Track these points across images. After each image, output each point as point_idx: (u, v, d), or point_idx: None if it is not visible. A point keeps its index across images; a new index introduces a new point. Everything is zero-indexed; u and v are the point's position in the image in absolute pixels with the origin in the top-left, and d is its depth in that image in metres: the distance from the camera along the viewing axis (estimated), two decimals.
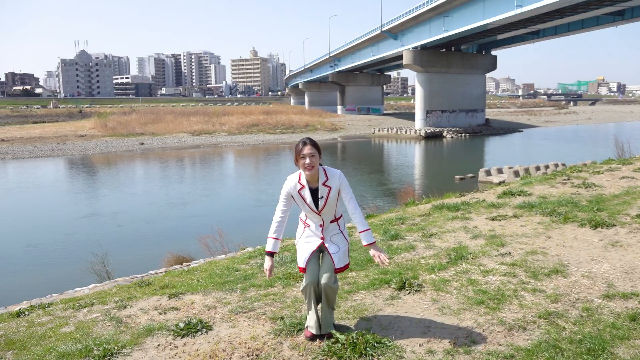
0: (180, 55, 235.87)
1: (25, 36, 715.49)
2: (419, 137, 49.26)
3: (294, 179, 3.52)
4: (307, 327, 3.66)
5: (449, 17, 43.55)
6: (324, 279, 3.50)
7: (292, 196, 3.53)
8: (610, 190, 8.52)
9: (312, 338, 3.58)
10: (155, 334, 3.89)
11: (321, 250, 3.60)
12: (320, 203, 3.47)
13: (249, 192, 23.01)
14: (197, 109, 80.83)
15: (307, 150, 3.42)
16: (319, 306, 3.62)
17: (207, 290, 4.94)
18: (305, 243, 3.60)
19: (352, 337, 3.38)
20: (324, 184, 3.47)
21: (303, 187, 3.49)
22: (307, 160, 3.40)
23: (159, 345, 3.71)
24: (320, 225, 3.56)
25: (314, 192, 3.47)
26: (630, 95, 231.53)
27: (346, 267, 3.61)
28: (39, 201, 21.56)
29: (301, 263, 3.59)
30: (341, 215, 3.69)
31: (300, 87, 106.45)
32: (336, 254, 3.52)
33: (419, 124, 53.99)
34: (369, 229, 3.56)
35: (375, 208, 13.30)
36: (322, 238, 3.56)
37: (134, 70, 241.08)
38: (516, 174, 19.36)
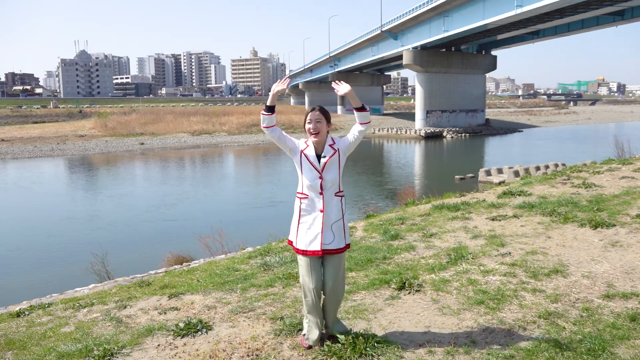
0: (180, 55, 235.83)
1: (25, 36, 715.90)
2: (419, 137, 49.25)
3: (302, 140, 3.45)
4: (306, 337, 3.48)
5: (449, 17, 43.54)
6: (331, 282, 3.35)
7: (293, 151, 3.39)
8: (610, 190, 8.52)
9: (310, 348, 3.43)
10: (155, 334, 3.89)
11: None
12: (322, 161, 3.32)
13: (248, 192, 23.00)
14: (197, 109, 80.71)
15: (313, 115, 3.35)
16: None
17: (207, 290, 4.94)
18: (303, 225, 3.35)
19: (352, 337, 3.37)
20: (330, 146, 3.37)
21: (307, 146, 3.39)
22: (312, 125, 3.33)
23: (159, 345, 3.71)
24: (320, 194, 3.32)
25: (318, 155, 3.36)
26: (630, 95, 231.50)
27: (346, 247, 3.43)
28: (38, 201, 21.55)
29: (296, 243, 3.37)
30: (343, 194, 3.47)
31: (300, 87, 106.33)
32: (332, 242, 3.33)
33: (419, 124, 53.99)
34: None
35: (375, 208, 13.31)
36: (322, 210, 3.32)
37: (134, 70, 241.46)
38: (516, 174, 19.36)
